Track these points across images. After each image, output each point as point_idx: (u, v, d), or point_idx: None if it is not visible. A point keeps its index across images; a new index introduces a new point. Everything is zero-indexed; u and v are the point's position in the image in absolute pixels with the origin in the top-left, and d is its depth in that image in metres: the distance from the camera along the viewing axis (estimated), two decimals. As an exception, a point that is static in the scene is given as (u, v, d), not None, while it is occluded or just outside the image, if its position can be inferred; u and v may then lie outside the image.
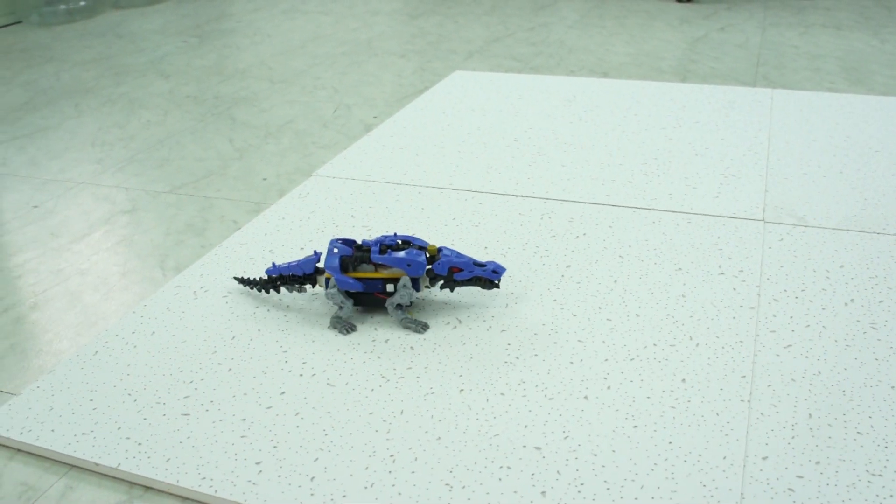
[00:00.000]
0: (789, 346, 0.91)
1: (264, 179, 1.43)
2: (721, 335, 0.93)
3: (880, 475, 0.73)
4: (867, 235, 1.13)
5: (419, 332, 0.95)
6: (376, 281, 0.95)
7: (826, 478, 0.73)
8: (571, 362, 0.89)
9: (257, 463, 0.77)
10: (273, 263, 1.02)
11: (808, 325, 0.94)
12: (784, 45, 2.14)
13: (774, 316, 0.96)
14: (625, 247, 1.11)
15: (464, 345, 0.93)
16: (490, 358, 0.90)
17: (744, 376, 0.86)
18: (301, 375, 0.89)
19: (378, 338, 0.95)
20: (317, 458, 0.78)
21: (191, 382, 0.89)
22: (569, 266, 1.08)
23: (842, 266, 1.06)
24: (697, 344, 0.91)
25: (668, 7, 2.62)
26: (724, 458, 0.76)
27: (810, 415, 0.81)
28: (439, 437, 0.79)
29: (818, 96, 1.67)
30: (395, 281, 0.95)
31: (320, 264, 1.09)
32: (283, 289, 1.05)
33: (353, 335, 0.95)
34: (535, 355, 0.90)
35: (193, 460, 0.78)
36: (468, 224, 1.19)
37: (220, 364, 0.92)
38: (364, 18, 2.68)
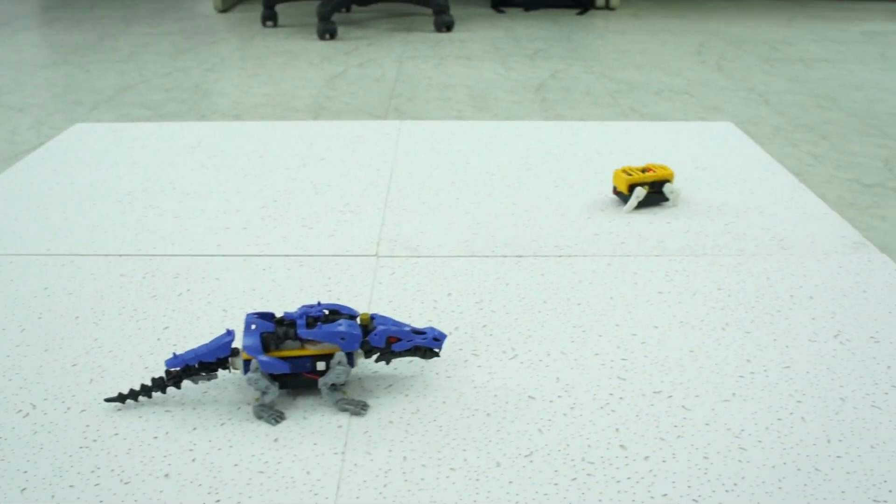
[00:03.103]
0: (389, 385, 0.87)
1: None
2: (321, 384, 0.87)
3: (469, 513, 0.70)
4: (476, 260, 1.13)
5: (359, 413, 0.83)
6: (304, 359, 0.82)
7: (416, 525, 0.69)
8: (155, 437, 0.80)
9: None
10: (174, 353, 0.85)
11: (412, 361, 0.91)
12: (419, 76, 2.17)
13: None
14: (230, 299, 1.04)
15: (35, 434, 0.81)
16: (64, 444, 0.80)
17: (340, 426, 0.81)
18: None
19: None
20: None
21: None
22: (167, 328, 0.99)
23: (449, 294, 1.04)
24: (294, 398, 0.85)
25: (311, 46, 2.61)
26: (312, 521, 0.70)
27: (405, 458, 0.77)
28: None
29: (444, 125, 1.70)
30: (326, 357, 0.82)
31: (237, 344, 0.93)
32: (185, 383, 0.88)
33: None
34: (116, 434, 0.81)
35: None
36: (61, 292, 1.07)
37: None
38: (-16, 73, 2.45)
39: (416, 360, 0.91)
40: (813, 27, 2.95)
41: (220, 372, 0.89)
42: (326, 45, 2.60)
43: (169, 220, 1.28)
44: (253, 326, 0.82)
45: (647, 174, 1.28)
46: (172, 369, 0.85)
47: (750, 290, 1.07)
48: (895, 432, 0.81)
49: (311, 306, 0.84)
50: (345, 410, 0.83)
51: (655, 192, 1.29)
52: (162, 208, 1.32)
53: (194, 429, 0.81)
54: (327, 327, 0.82)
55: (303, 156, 1.54)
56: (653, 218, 1.26)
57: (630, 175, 1.28)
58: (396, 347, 0.85)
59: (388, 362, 0.87)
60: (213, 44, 2.70)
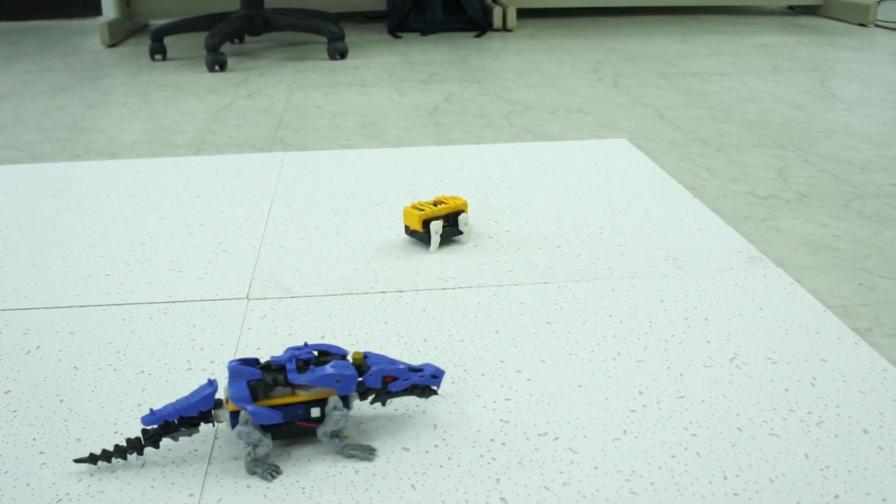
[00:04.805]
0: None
1: None
2: (174, 448, 0.79)
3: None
4: (353, 297, 1.05)
5: (368, 459, 0.76)
6: (296, 406, 0.75)
7: None
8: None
9: None
10: (151, 409, 0.75)
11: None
12: (308, 106, 2.10)
13: (242, 410, 0.84)
14: (83, 355, 0.95)
15: None
16: None
17: (192, 495, 0.73)
18: None
19: None
20: None
21: None
22: (8, 391, 0.89)
23: (322, 336, 0.97)
24: (144, 464, 0.77)
25: (199, 78, 2.52)
26: None
27: (262, 528, 0.69)
28: None
29: (329, 154, 1.62)
30: (320, 403, 0.75)
31: (220, 395, 0.84)
32: (164, 440, 0.79)
33: None
34: (-69, 523, 0.71)
35: None
36: None
37: None
38: None
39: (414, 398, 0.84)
40: (708, 41, 2.96)
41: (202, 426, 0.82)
42: (215, 77, 2.51)
43: (25, 270, 1.18)
44: (239, 374, 0.75)
45: (439, 207, 1.17)
46: (149, 427, 0.77)
47: (643, 314, 1.02)
48: (794, 462, 0.76)
49: (298, 348, 0.78)
50: (352, 457, 0.77)
51: (451, 226, 1.19)
52: (19, 257, 1.22)
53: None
54: (320, 370, 0.75)
55: (178, 194, 1.45)
56: (542, 242, 1.21)
57: (422, 210, 1.16)
58: (393, 387, 0.79)
59: (384, 403, 0.80)
60: (97, 79, 2.58)
